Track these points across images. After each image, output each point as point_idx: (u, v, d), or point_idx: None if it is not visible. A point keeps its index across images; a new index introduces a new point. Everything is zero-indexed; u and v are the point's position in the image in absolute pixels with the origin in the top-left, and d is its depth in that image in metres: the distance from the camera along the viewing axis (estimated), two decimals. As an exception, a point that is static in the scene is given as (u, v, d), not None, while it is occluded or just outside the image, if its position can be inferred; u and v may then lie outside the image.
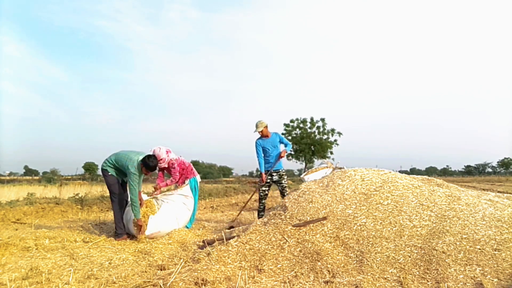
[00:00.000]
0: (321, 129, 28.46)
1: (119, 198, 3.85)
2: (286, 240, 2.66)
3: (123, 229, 3.78)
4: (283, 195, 4.66)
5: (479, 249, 2.36)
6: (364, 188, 3.19)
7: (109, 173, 3.81)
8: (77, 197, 7.47)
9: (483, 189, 8.27)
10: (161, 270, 2.56)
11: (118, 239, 3.59)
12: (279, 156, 4.71)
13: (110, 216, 5.84)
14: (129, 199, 3.77)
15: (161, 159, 4.20)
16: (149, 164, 3.66)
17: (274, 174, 4.73)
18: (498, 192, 6.72)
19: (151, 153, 4.14)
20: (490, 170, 67.65)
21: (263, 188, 4.71)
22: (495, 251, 2.33)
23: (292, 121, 28.94)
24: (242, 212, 5.70)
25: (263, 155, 4.71)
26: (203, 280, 2.16)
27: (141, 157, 3.70)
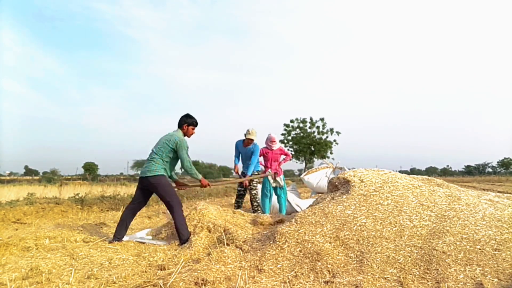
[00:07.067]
0: (321, 129, 28.47)
1: (179, 200, 3.45)
2: (286, 240, 2.66)
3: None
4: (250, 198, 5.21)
5: (479, 249, 2.36)
6: (363, 189, 3.19)
7: (160, 174, 3.39)
8: (77, 197, 7.46)
9: (483, 189, 8.27)
10: (161, 270, 2.56)
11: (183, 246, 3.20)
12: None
13: (110, 216, 5.84)
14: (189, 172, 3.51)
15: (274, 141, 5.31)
16: (193, 120, 3.57)
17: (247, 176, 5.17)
18: (498, 192, 6.72)
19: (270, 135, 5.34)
20: (490, 170, 67.79)
21: (239, 188, 5.23)
22: (495, 251, 2.33)
23: (292, 121, 28.98)
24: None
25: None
26: (203, 280, 2.16)
27: (176, 131, 3.52)
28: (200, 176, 3.62)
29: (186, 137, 3.58)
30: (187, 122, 3.57)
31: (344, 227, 2.72)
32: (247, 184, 5.08)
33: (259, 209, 5.20)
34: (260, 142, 5.29)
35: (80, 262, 2.77)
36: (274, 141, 5.41)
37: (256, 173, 5.19)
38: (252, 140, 5.02)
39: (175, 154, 3.47)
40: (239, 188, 5.22)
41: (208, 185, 3.73)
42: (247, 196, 5.37)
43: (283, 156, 5.54)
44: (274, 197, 5.51)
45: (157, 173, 3.38)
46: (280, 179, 5.39)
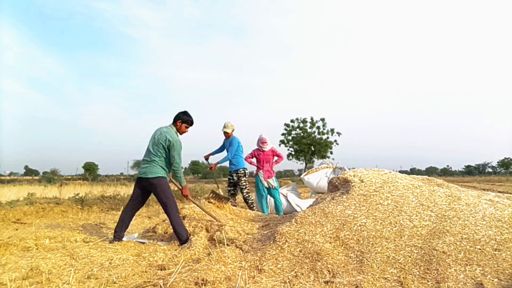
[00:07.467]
0: (321, 129, 28.48)
1: (175, 202, 3.46)
2: (286, 240, 2.66)
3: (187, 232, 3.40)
4: (242, 195, 5.27)
5: (479, 249, 2.36)
6: (363, 189, 3.19)
7: (161, 176, 3.38)
8: (77, 197, 7.47)
9: (483, 189, 8.27)
10: (161, 270, 2.56)
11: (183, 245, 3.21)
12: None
13: (110, 216, 5.84)
14: (176, 173, 3.46)
15: (265, 142, 5.28)
16: (188, 118, 3.52)
17: (234, 174, 5.23)
18: (498, 192, 6.72)
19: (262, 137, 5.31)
20: (490, 170, 67.73)
21: (229, 188, 5.30)
22: (495, 251, 2.33)
23: (292, 121, 28.97)
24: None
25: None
26: (203, 280, 2.16)
27: (169, 128, 3.47)
28: (184, 183, 3.55)
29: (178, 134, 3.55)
30: (182, 119, 3.53)
31: (344, 227, 2.72)
32: (213, 167, 5.38)
33: (254, 206, 5.22)
34: (254, 144, 5.42)
35: (80, 262, 2.77)
36: (265, 142, 5.33)
37: (242, 170, 5.23)
38: (228, 133, 5.19)
39: (168, 152, 3.43)
40: (229, 188, 5.29)
41: (187, 196, 3.57)
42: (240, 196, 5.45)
43: (275, 158, 5.50)
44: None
45: (158, 175, 3.37)
46: (273, 180, 5.35)
